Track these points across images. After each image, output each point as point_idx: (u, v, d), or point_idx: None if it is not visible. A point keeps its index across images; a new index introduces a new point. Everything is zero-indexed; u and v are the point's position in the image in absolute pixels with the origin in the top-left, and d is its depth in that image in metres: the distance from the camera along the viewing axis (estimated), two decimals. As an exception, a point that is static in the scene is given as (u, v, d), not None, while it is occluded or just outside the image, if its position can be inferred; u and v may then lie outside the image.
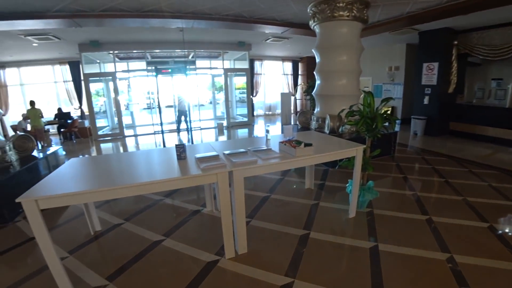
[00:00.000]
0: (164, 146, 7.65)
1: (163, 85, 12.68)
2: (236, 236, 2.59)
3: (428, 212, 3.43)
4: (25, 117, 8.29)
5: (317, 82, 5.99)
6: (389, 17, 6.51)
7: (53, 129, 10.33)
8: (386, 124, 3.19)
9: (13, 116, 10.79)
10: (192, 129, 9.91)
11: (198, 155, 2.56)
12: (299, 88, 14.51)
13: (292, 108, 12.33)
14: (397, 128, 6.36)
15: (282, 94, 11.00)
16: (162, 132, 7.80)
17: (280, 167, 2.58)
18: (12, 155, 4.06)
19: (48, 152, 4.74)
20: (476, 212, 3.43)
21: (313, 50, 5.85)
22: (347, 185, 3.52)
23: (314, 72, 5.96)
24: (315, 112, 6.26)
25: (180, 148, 2.51)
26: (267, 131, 3.40)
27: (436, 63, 7.82)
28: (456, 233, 2.97)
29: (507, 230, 3.04)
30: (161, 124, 7.41)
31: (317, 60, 5.85)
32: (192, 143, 7.94)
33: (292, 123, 10.41)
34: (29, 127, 8.35)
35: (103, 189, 1.95)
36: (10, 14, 5.22)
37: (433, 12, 5.84)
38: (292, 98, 13.81)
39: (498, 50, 6.86)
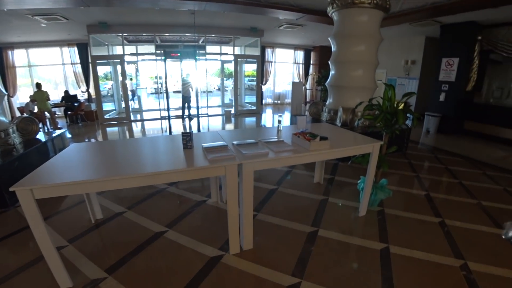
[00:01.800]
0: (170, 132, 7.55)
1: (172, 70, 12.54)
2: (242, 232, 2.47)
3: (441, 215, 3.27)
4: (32, 99, 8.24)
5: (331, 72, 5.74)
6: (412, 6, 6.14)
7: (59, 111, 10.31)
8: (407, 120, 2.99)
9: (22, 97, 10.78)
10: (200, 116, 9.78)
11: (205, 145, 2.42)
12: (310, 78, 14.17)
13: (302, 98, 12.03)
14: (409, 124, 6.12)
15: (294, 83, 10.62)
16: (169, 118, 7.68)
17: (293, 161, 2.43)
18: (15, 138, 3.97)
19: (53, 135, 4.66)
20: (491, 217, 3.26)
21: (329, 39, 5.59)
22: (359, 181, 3.36)
23: (329, 62, 5.71)
24: (327, 103, 6.04)
25: (187, 137, 2.37)
26: (279, 122, 3.23)
27: (457, 58, 7.45)
28: (470, 238, 2.82)
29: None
30: (168, 109, 7.27)
31: (333, 49, 5.59)
32: (199, 130, 7.82)
33: (303, 114, 10.17)
34: (36, 109, 8.32)
35: (103, 179, 1.82)
36: (17, -8, 5.07)
37: (461, 3, 5.48)
38: (303, 88, 13.51)
39: (525, 48, 6.48)
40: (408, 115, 2.98)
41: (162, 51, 7.70)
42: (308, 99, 14.35)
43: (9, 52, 10.29)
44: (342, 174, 4.49)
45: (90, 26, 8.34)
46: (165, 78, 7.13)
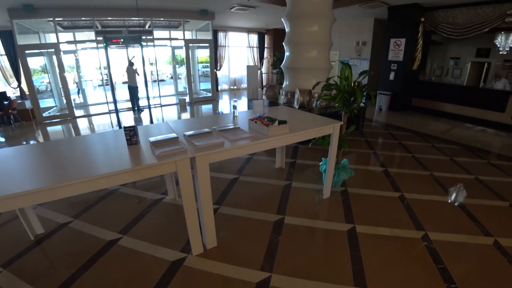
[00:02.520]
0: (120, 127, 6.94)
1: (118, 59, 11.50)
2: (204, 230, 2.27)
3: (400, 189, 3.38)
4: None
5: (286, 53, 5.61)
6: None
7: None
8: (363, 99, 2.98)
9: None
10: (152, 106, 9.16)
11: (152, 139, 2.13)
12: (265, 61, 14.02)
13: (258, 82, 11.88)
14: (364, 101, 6.33)
15: (249, 67, 10.36)
16: (117, 111, 7.02)
17: (251, 149, 2.26)
18: None
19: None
20: (443, 186, 3.48)
21: (282, 19, 5.42)
22: (321, 163, 3.32)
23: (283, 43, 5.57)
24: (283, 86, 5.94)
25: (130, 131, 2.06)
26: (234, 107, 3.03)
27: (404, 39, 7.78)
28: (428, 209, 2.96)
29: (465, 202, 3.11)
30: (115, 102, 6.64)
31: (287, 30, 5.44)
32: (152, 122, 7.30)
33: (259, 98, 10.02)
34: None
35: (23, 194, 1.46)
36: None
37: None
38: (258, 72, 13.32)
39: (461, 29, 6.93)
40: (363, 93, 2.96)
41: (102, 37, 6.93)
42: (264, 83, 14.25)
43: None
44: (303, 156, 4.46)
45: (12, 10, 7.19)
46: (108, 67, 6.44)
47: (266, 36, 13.73)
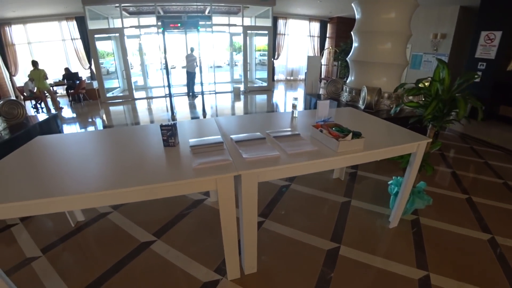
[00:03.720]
0: (172, 113, 6.95)
1: (178, 43, 11.74)
2: (243, 253, 1.91)
3: (490, 229, 2.58)
4: (31, 78, 7.80)
5: (355, 44, 4.88)
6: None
7: (64, 90, 9.90)
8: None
9: (22, 77, 10.24)
10: (206, 93, 9.12)
11: (193, 142, 1.80)
12: (325, 52, 13.08)
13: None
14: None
15: (310, 58, 9.33)
16: (170, 96, 7.05)
17: (314, 168, 1.74)
18: (-3, 123, 3.51)
19: (40, 119, 4.17)
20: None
21: (353, 4, 4.69)
22: (390, 183, 2.72)
23: (352, 32, 4.85)
24: (347, 81, 5.25)
25: (168, 131, 1.76)
26: (294, 107, 2.57)
27: (500, 32, 6.35)
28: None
29: None
30: (169, 87, 6.64)
31: (357, 16, 4.70)
32: (204, 109, 7.17)
33: (319, 92, 9.26)
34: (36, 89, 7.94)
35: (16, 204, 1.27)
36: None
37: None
38: (319, 63, 12.44)
39: None
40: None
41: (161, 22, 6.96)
42: (323, 75, 13.37)
43: (7, 29, 9.68)
44: (367, 168, 3.81)
45: (85, -3, 7.61)
46: (165, 52, 6.44)
47: (328, 24, 12.75)
